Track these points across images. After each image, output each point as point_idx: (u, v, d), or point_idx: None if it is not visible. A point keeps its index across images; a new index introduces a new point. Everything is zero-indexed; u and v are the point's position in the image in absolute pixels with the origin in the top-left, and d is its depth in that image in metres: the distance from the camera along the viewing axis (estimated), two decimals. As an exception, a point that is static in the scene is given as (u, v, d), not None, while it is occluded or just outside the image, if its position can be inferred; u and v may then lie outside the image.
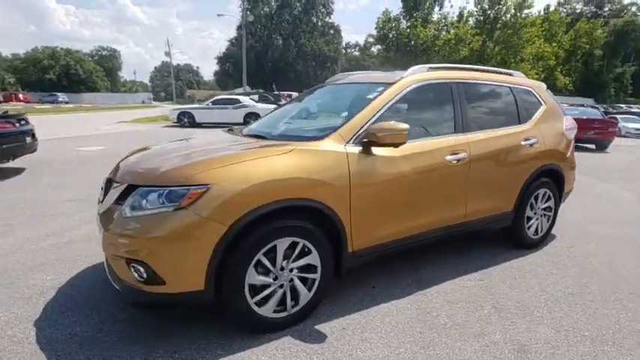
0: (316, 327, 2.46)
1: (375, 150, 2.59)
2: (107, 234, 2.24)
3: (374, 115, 2.68)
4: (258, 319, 2.31)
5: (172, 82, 61.77)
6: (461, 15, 38.77)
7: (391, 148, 2.60)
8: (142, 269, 2.10)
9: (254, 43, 44.62)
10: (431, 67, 3.16)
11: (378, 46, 42.08)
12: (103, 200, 2.51)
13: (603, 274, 3.35)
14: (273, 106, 18.02)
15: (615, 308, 2.79)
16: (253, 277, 2.23)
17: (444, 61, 37.35)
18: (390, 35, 37.21)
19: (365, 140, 2.57)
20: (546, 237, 3.99)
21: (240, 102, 17.63)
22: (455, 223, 3.15)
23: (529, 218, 3.72)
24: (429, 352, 2.26)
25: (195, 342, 2.27)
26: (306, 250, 2.39)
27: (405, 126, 2.48)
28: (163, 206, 2.09)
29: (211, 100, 18.34)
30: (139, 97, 65.04)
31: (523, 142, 3.50)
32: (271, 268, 2.29)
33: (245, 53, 30.44)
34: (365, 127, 2.61)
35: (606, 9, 63.97)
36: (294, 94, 25.36)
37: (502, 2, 37.87)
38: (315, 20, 49.33)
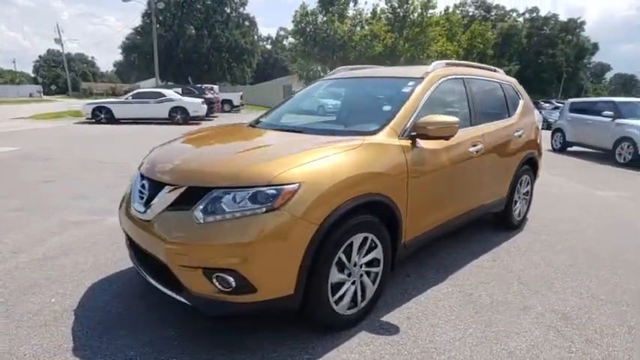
0: (382, 319, 2.49)
1: (420, 143, 2.68)
2: (172, 245, 1.99)
3: (415, 109, 2.76)
4: (336, 318, 2.27)
5: (67, 74, 54.84)
6: (374, 12, 40.65)
7: (433, 140, 2.70)
8: (230, 278, 1.92)
9: (163, 33, 41.58)
10: (448, 63, 3.33)
11: (292, 40, 42.26)
12: (145, 207, 2.21)
13: (583, 247, 3.89)
14: (200, 100, 17.16)
15: (610, 274, 3.28)
16: (334, 276, 2.18)
17: (361, 56, 39.12)
18: (308, 29, 37.62)
19: (413, 133, 2.64)
20: (524, 219, 4.49)
21: (165, 95, 16.40)
22: (472, 209, 3.39)
23: (515, 202, 4.15)
24: (494, 329, 2.43)
25: (276, 350, 2.15)
26: (373, 244, 2.39)
27: (455, 119, 2.60)
28: (250, 208, 1.93)
29: (131, 93, 16.77)
30: (24, 89, 56.59)
31: (515, 134, 3.88)
32: (348, 265, 2.26)
33: (156, 43, 28.20)
34: (411, 120, 2.68)
35: (493, 13, 72.19)
36: (216, 87, 24.47)
37: (409, 1, 40.52)
38: (228, 11, 47.62)
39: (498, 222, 4.18)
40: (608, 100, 10.90)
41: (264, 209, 1.92)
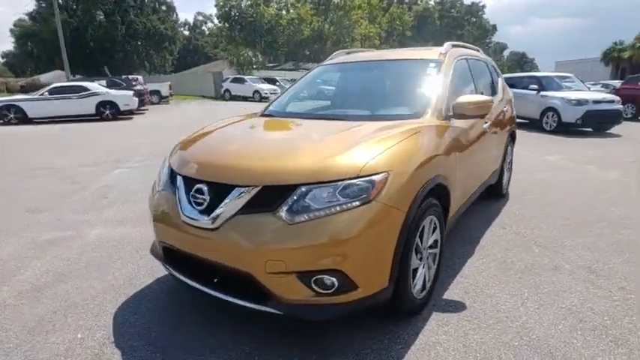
0: (445, 297, 2.55)
1: (455, 122, 2.73)
2: (259, 252, 1.82)
3: (447, 90, 2.80)
4: (414, 303, 2.27)
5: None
6: (299, -5, 40.37)
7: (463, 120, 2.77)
8: (333, 279, 1.81)
9: (68, 19, 37.19)
10: (452, 44, 3.40)
11: (212, 25, 40.42)
12: (207, 213, 1.98)
13: (565, 206, 4.31)
14: (130, 92, 15.80)
15: (606, 229, 3.67)
16: (414, 262, 2.17)
17: (289, 40, 38.77)
18: (232, 13, 36.20)
19: (450, 114, 2.68)
20: (508, 187, 4.84)
21: (89, 89, 14.78)
22: (483, 182, 3.58)
23: (504, 172, 4.45)
24: (544, 291, 2.61)
25: (368, 346, 2.09)
26: (435, 226, 2.42)
27: (490, 98, 2.69)
28: (343, 203, 1.82)
29: (47, 89, 14.82)
30: None
31: (504, 109, 4.13)
32: (420, 249, 2.26)
33: (61, 30, 25.14)
34: (446, 101, 2.71)
35: (407, -4, 75.25)
36: (140, 78, 22.67)
37: (332, -16, 40.81)
38: (142, -5, 43.90)
39: (491, 193, 4.46)
40: (532, 76, 12.07)
41: (358, 202, 1.82)
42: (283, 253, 1.80)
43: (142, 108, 18.27)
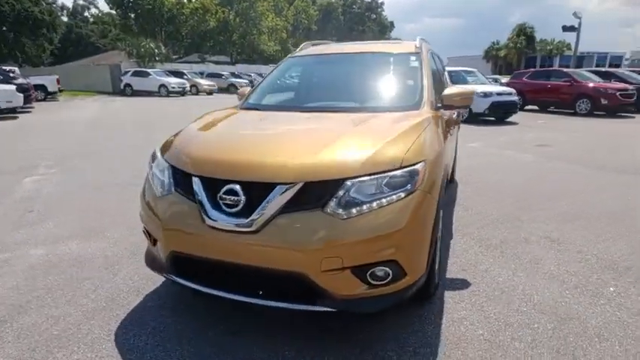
0: (448, 277, 2.74)
1: (444, 112, 2.92)
2: (314, 250, 1.75)
3: (431, 82, 2.96)
4: (436, 285, 2.40)
5: None
6: (201, -17, 38.27)
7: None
8: (388, 269, 1.82)
9: None
10: (421, 39, 3.59)
11: (95, 10, 36.41)
12: (245, 216, 1.84)
13: (510, 189, 4.88)
14: (12, 86, 13.59)
15: (547, 202, 4.24)
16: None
17: (193, 30, 36.62)
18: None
19: (439, 105, 2.85)
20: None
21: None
22: (450, 169, 3.88)
23: (455, 160, 4.86)
24: (524, 261, 2.95)
25: (402, 333, 2.16)
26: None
27: (473, 89, 2.92)
28: (391, 194, 1.84)
29: None
30: None
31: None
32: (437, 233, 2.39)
33: None
34: (433, 92, 2.86)
35: (308, -10, 76.39)
36: (17, 70, 19.63)
37: (235, -27, 39.57)
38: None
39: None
40: (439, 69, 13.24)
41: (403, 192, 1.86)
42: (340, 249, 1.76)
43: (28, 106, 15.76)
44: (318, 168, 1.86)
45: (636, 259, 2.97)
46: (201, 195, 1.93)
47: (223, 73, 31.62)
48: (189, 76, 26.58)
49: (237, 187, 1.86)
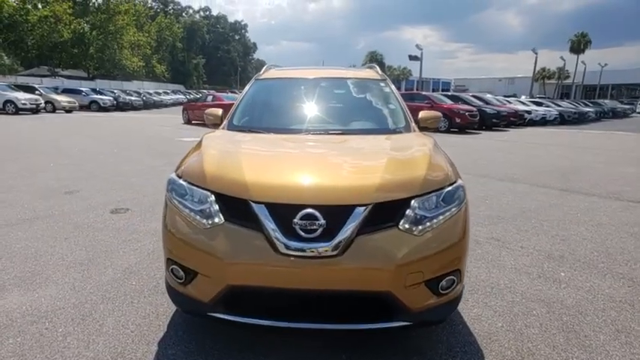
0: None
1: None
2: (399, 267, 1.81)
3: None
4: None
5: None
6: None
7: None
8: (453, 278, 1.98)
9: None
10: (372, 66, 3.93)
11: None
12: (328, 237, 1.79)
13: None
14: None
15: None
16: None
17: (42, 41, 31.24)
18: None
19: (417, 127, 3.18)
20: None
21: None
22: None
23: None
24: (489, 259, 3.45)
25: (435, 339, 2.34)
26: None
27: (439, 114, 3.33)
28: (449, 208, 2.02)
29: None
30: None
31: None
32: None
33: None
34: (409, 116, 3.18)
35: (170, 7, 73.37)
36: None
37: (90, -17, 35.65)
38: None
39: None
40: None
41: (456, 206, 2.06)
42: (421, 263, 1.87)
43: None
44: (386, 188, 1.93)
45: (563, 248, 3.75)
46: (270, 222, 1.81)
47: (82, 89, 27.75)
48: (41, 92, 22.54)
49: (316, 211, 1.80)
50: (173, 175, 2.19)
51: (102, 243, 3.67)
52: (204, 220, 1.92)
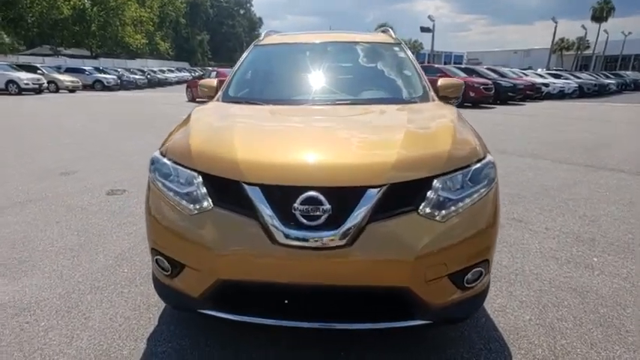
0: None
1: None
2: (419, 259, 1.53)
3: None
4: None
5: None
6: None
7: None
8: (481, 269, 1.70)
9: None
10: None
11: None
12: (335, 224, 1.52)
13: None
14: None
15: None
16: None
17: (42, 18, 30.75)
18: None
19: (436, 96, 2.83)
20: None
21: None
22: None
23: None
24: (510, 242, 3.15)
25: (454, 336, 2.09)
26: None
27: (462, 81, 2.97)
28: (478, 189, 1.71)
29: None
30: None
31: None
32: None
33: None
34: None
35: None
36: None
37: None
38: None
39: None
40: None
41: (485, 187, 1.75)
42: (445, 254, 1.59)
43: None
44: (404, 166, 1.63)
45: (594, 230, 3.43)
46: (265, 207, 1.53)
47: (85, 68, 27.31)
48: (44, 71, 22.23)
49: (320, 195, 1.52)
50: (156, 154, 1.91)
51: (95, 227, 3.46)
52: (191, 205, 1.65)
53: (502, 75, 19.11)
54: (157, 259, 1.78)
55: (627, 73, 35.46)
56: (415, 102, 2.55)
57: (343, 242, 1.51)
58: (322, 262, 1.53)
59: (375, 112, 2.36)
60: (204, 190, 1.65)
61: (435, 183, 1.62)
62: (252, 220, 1.55)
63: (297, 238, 1.51)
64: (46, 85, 20.85)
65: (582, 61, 58.13)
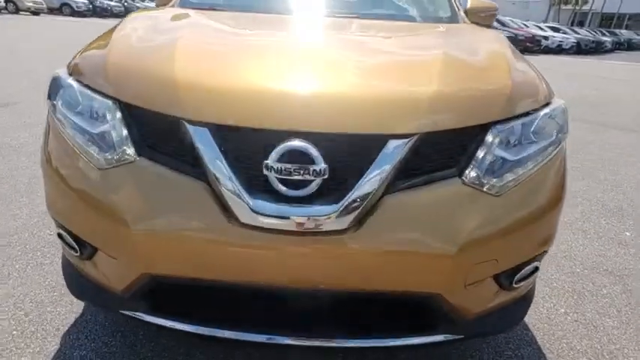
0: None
1: None
2: (461, 252, 0.97)
3: None
4: None
5: None
6: None
7: None
8: (538, 264, 1.19)
9: None
10: None
11: None
12: (341, 197, 0.94)
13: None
14: None
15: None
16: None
17: None
18: None
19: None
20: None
21: None
22: None
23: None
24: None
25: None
26: None
27: (496, 5, 2.30)
28: (542, 145, 1.13)
29: None
30: None
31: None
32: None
33: None
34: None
35: None
36: None
37: None
38: None
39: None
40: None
41: (553, 144, 1.18)
42: (500, 246, 1.05)
43: None
44: (441, 108, 1.02)
45: (619, 198, 2.98)
46: (220, 162, 0.94)
47: (51, -11, 24.72)
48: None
49: (308, 145, 0.92)
50: (60, 71, 1.24)
51: (25, 171, 2.79)
52: (103, 154, 1.03)
53: (503, 24, 18.11)
54: (59, 234, 1.19)
55: (622, 31, 34.65)
56: (442, 22, 1.91)
57: (345, 224, 0.94)
58: (311, 254, 0.97)
59: (393, 29, 1.69)
60: (124, 130, 1.03)
61: (489, 136, 1.04)
62: (199, 183, 0.96)
63: (271, 216, 0.93)
64: (3, 4, 18.72)
65: (578, 17, 56.59)
